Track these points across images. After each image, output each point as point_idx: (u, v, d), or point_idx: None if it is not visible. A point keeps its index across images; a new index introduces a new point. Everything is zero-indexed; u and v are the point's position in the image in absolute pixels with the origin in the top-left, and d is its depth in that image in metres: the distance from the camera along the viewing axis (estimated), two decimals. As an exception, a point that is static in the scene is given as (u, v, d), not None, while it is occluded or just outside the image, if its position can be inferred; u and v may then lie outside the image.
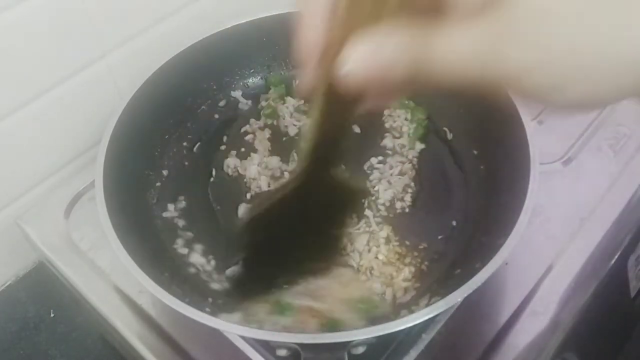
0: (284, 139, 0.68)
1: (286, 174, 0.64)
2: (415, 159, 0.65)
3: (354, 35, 0.26)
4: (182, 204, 0.63)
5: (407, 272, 0.56)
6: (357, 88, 0.27)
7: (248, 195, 0.63)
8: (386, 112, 0.69)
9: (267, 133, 0.68)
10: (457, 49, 0.25)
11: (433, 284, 0.55)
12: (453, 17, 0.27)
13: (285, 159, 0.65)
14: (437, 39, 0.25)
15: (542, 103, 0.27)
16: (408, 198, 0.62)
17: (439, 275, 0.56)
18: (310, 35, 0.30)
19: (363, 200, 0.48)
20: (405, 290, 0.55)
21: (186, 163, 0.66)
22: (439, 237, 0.58)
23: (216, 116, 0.70)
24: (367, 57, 0.26)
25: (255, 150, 0.66)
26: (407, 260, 0.57)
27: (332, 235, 0.47)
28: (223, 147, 0.68)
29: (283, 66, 0.74)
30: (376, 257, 0.57)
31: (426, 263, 0.57)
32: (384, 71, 0.26)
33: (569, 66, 0.24)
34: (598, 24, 0.24)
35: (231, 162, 0.66)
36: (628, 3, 0.24)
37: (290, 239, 0.43)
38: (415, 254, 0.57)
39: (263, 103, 0.71)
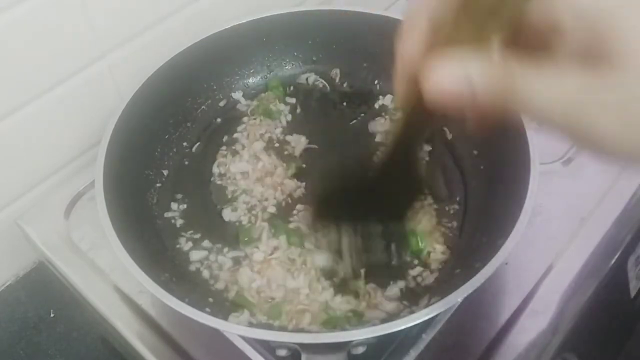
0: (278, 138, 0.68)
1: (279, 171, 0.64)
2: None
3: (448, 51, 0.27)
4: (182, 203, 0.63)
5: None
6: (439, 102, 0.27)
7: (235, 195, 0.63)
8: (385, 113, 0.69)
9: (260, 130, 0.68)
10: (546, 92, 0.25)
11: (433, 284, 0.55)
12: (554, 56, 0.27)
13: (279, 158, 0.66)
14: (529, 75, 0.25)
15: (610, 160, 0.27)
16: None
17: (439, 275, 0.56)
18: (410, 48, 0.30)
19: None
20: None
21: (186, 163, 0.66)
22: (440, 237, 0.58)
23: (216, 116, 0.70)
24: (454, 73, 0.26)
25: (245, 148, 0.67)
26: (407, 260, 0.57)
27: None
28: (223, 147, 0.68)
29: (283, 66, 0.74)
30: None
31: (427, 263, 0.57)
32: (466, 91, 0.26)
33: None
34: None
35: (228, 162, 0.66)
36: None
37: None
38: (415, 254, 0.57)
39: (256, 103, 0.71)
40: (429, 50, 0.28)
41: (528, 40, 0.28)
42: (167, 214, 0.62)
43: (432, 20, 0.29)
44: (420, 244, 0.57)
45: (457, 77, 0.26)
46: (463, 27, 0.27)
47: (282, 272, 0.56)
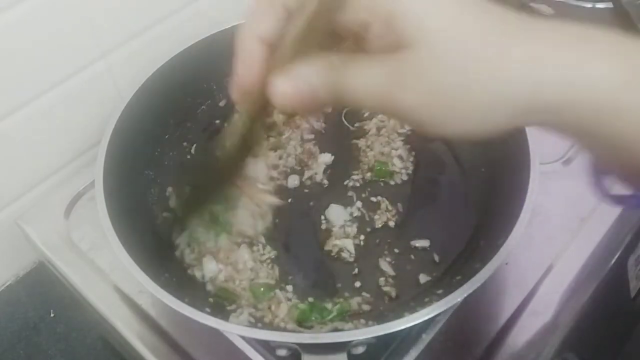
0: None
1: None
2: (412, 158, 0.65)
3: (284, 66, 0.31)
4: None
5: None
6: (289, 107, 0.32)
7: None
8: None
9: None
10: (363, 81, 0.30)
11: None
12: (369, 52, 0.30)
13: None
14: (350, 70, 0.30)
15: (434, 135, 0.31)
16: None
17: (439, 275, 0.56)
18: (247, 71, 0.35)
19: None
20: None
21: (186, 163, 0.66)
22: (439, 237, 0.58)
23: (216, 116, 0.70)
24: (293, 81, 0.31)
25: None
26: (407, 260, 0.57)
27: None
28: (223, 147, 0.67)
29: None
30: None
31: (427, 263, 0.57)
32: (306, 97, 0.31)
33: (443, 108, 0.29)
34: (476, 74, 0.28)
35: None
36: (500, 50, 0.28)
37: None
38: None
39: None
40: (266, 68, 0.33)
41: (346, 40, 0.32)
42: (167, 214, 0.62)
43: (264, 42, 0.33)
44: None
45: (297, 83, 0.31)
46: (290, 46, 0.31)
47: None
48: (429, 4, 0.28)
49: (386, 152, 0.65)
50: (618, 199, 0.35)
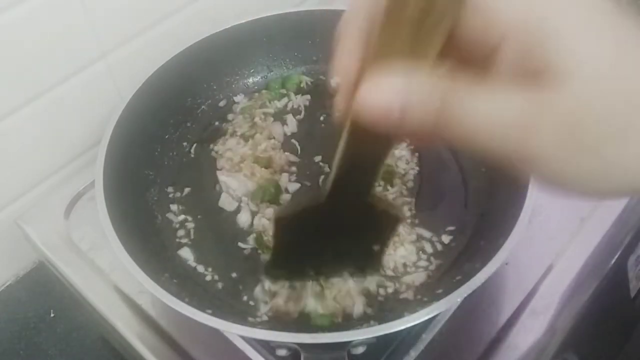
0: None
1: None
2: (415, 159, 0.65)
3: (380, 66, 0.24)
4: (183, 203, 0.63)
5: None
6: (373, 121, 0.24)
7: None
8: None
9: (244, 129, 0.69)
10: (484, 112, 0.23)
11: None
12: (493, 75, 0.24)
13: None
14: (466, 93, 0.23)
15: (561, 191, 0.25)
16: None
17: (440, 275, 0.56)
18: (345, 60, 0.27)
19: (397, 225, 0.48)
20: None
21: (186, 163, 0.66)
22: (440, 237, 0.58)
23: (216, 116, 0.70)
24: (381, 89, 0.24)
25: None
26: (407, 260, 0.57)
27: (367, 251, 0.48)
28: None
29: (283, 66, 0.74)
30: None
31: (427, 263, 0.57)
32: (396, 110, 0.23)
33: (587, 163, 0.23)
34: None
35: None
36: None
37: (319, 246, 0.45)
38: (415, 254, 0.57)
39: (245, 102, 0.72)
40: (364, 66, 0.25)
41: (463, 59, 0.25)
42: (167, 214, 0.62)
43: (365, 30, 0.26)
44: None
45: (385, 94, 0.24)
46: (390, 40, 0.24)
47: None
48: (589, 29, 0.22)
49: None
50: None
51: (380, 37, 0.24)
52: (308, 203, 0.40)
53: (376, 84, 0.24)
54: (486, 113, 0.23)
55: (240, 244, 0.59)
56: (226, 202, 0.62)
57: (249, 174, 0.63)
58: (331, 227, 0.41)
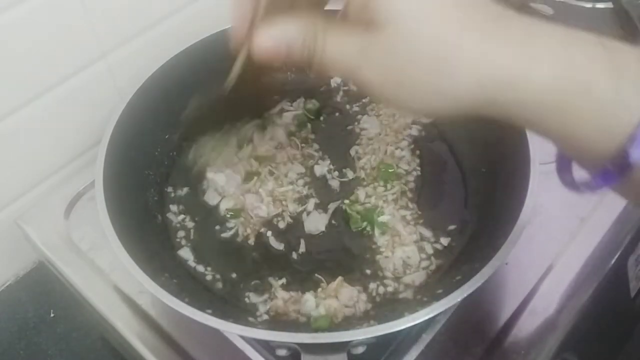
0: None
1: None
2: (416, 159, 0.65)
3: (270, 19, 0.35)
4: (183, 203, 0.63)
5: (407, 272, 0.56)
6: (264, 58, 0.35)
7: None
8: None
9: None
10: (337, 49, 0.33)
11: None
12: (345, 21, 0.33)
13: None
14: (329, 35, 0.33)
15: (399, 111, 0.34)
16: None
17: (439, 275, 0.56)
18: (239, 13, 0.38)
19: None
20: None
21: (186, 163, 0.66)
22: (440, 237, 0.58)
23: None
24: (270, 40, 0.35)
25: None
26: (407, 260, 0.57)
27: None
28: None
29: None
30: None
31: (427, 263, 0.57)
32: (283, 52, 0.34)
33: (403, 87, 0.31)
34: (437, 65, 0.30)
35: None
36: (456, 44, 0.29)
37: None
38: (415, 254, 0.57)
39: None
40: (254, 22, 0.36)
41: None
42: (167, 214, 0.62)
43: None
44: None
45: (277, 37, 0.34)
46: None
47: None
48: None
49: (390, 152, 0.65)
50: (576, 186, 0.38)
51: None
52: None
53: (269, 31, 0.35)
54: (338, 50, 0.33)
55: (240, 244, 0.59)
56: (210, 197, 0.63)
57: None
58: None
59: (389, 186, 0.62)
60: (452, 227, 0.59)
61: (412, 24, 0.30)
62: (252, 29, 0.37)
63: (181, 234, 0.60)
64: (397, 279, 0.56)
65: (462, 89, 0.30)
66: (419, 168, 0.64)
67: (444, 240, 0.58)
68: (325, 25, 0.33)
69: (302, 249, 0.58)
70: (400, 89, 0.31)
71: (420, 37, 0.30)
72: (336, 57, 0.33)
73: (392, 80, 0.31)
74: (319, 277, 0.55)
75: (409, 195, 0.62)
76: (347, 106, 0.71)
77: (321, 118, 0.70)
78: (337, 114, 0.71)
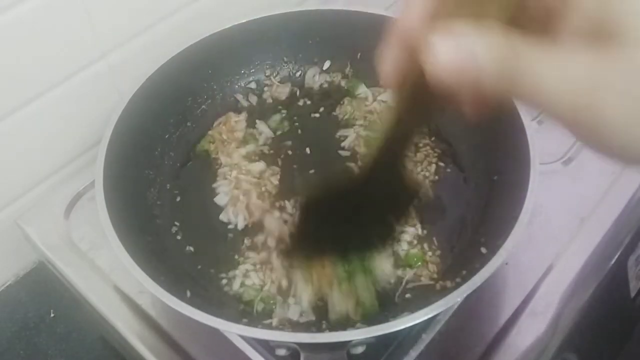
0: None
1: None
2: (415, 159, 0.65)
3: (450, 24, 0.24)
4: (183, 203, 0.63)
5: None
6: (441, 77, 0.24)
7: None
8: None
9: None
10: (553, 75, 0.22)
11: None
12: (560, 36, 0.24)
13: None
14: (535, 54, 0.23)
15: (611, 158, 0.24)
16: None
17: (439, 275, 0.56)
18: (410, 17, 0.26)
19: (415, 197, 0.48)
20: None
21: (186, 163, 0.66)
22: (440, 237, 0.58)
23: (216, 116, 0.70)
24: (458, 46, 0.23)
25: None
26: (407, 260, 0.57)
27: (387, 225, 0.47)
28: (223, 147, 0.68)
29: (283, 66, 0.74)
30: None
31: (427, 263, 0.57)
32: (471, 67, 0.23)
33: None
34: None
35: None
36: None
37: (347, 220, 0.45)
38: (415, 254, 0.57)
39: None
40: (430, 22, 0.25)
41: (532, 18, 0.25)
42: (167, 214, 0.62)
43: None
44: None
45: (462, 51, 0.23)
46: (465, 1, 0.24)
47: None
48: None
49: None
50: None
51: None
52: (340, 182, 0.42)
53: (455, 39, 0.23)
54: (557, 72, 0.22)
55: (239, 244, 0.59)
56: (219, 199, 0.63)
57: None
58: (358, 204, 0.42)
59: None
60: (452, 227, 0.59)
61: None
62: (426, 36, 0.24)
63: (181, 234, 0.60)
64: (397, 278, 0.56)
65: None
66: (419, 168, 0.64)
67: (445, 240, 0.58)
68: (527, 38, 0.23)
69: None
70: None
71: None
72: (551, 83, 0.22)
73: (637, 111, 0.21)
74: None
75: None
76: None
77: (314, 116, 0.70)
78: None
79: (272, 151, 0.67)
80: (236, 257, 0.58)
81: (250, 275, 0.56)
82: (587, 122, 0.22)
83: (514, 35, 0.23)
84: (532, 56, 0.23)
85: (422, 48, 0.24)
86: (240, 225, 0.60)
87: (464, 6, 0.24)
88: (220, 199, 0.62)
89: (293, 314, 0.53)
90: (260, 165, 0.65)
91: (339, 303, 0.51)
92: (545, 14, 0.25)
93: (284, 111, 0.71)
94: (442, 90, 0.24)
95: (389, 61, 0.28)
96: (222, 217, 0.61)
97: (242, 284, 0.56)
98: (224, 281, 0.56)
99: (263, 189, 0.63)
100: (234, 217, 0.61)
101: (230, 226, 0.60)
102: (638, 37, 0.21)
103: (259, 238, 0.59)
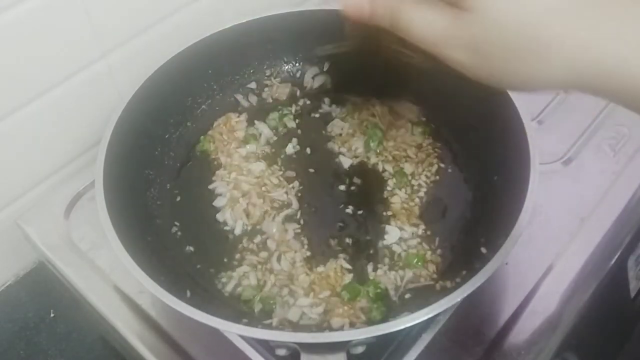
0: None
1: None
2: (415, 159, 0.65)
3: None
4: (183, 204, 0.63)
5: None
6: (349, 15, 0.38)
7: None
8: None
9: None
10: (419, 22, 0.33)
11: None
12: None
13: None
14: (411, 5, 0.34)
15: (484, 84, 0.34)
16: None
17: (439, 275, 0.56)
18: None
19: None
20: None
21: (186, 163, 0.66)
22: (440, 237, 0.58)
23: (216, 117, 0.70)
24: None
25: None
26: (407, 260, 0.57)
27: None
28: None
29: (283, 66, 0.74)
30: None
31: (427, 263, 0.57)
32: (365, 11, 0.36)
33: (490, 69, 0.32)
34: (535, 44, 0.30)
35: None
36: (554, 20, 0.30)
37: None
38: (415, 254, 0.57)
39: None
40: None
41: None
42: (167, 214, 0.62)
43: None
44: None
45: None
46: None
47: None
48: None
49: (398, 157, 0.65)
50: None
51: None
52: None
53: None
54: (420, 23, 0.33)
55: (238, 245, 0.59)
56: (217, 202, 0.63)
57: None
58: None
59: (396, 190, 0.62)
60: (452, 227, 0.59)
61: (503, 4, 0.30)
62: None
63: (181, 234, 0.60)
64: (397, 278, 0.56)
65: (554, 72, 0.30)
66: (420, 168, 0.64)
67: (445, 240, 0.58)
68: None
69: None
70: (487, 69, 0.32)
71: (512, 18, 0.30)
72: (423, 29, 0.33)
73: (478, 60, 0.32)
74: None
75: (411, 195, 0.62)
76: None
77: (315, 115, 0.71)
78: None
79: (272, 151, 0.67)
80: (237, 257, 0.58)
81: (249, 276, 0.56)
82: (438, 57, 0.33)
83: None
84: (410, 8, 0.34)
85: None
86: (238, 231, 0.60)
87: None
88: (218, 201, 0.62)
89: (294, 315, 0.53)
90: (260, 166, 0.65)
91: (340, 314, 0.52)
92: None
93: (282, 109, 0.71)
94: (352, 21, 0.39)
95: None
96: (219, 217, 0.61)
97: (240, 284, 0.56)
98: (224, 280, 0.56)
99: (263, 189, 0.63)
100: (232, 221, 0.60)
101: (226, 227, 0.60)
102: (478, 8, 0.31)
103: (258, 239, 0.59)
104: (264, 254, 0.58)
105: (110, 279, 0.58)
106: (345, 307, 0.53)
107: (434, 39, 0.33)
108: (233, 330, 0.46)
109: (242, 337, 0.52)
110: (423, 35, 0.33)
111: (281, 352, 0.49)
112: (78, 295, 0.59)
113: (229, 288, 0.56)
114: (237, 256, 0.58)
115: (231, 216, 0.61)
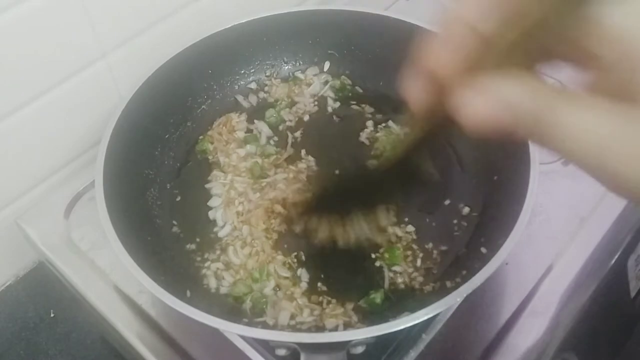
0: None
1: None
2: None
3: (479, 75, 0.24)
4: (183, 204, 0.63)
5: (407, 272, 0.56)
6: (473, 130, 0.25)
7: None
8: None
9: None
10: (583, 124, 0.23)
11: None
12: (593, 87, 0.25)
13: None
14: (565, 105, 0.23)
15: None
16: (408, 198, 0.62)
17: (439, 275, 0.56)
18: (444, 61, 0.26)
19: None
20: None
21: (186, 163, 0.66)
22: (440, 237, 0.58)
23: (216, 117, 0.70)
24: (485, 105, 0.24)
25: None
26: (407, 260, 0.57)
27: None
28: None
29: (283, 66, 0.74)
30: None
31: (427, 263, 0.57)
32: (500, 122, 0.24)
33: None
34: None
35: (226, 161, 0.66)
36: None
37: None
38: (415, 254, 0.57)
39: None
40: (460, 70, 0.25)
41: (567, 53, 0.25)
42: (167, 214, 0.62)
43: (475, 35, 0.25)
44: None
45: (494, 102, 0.24)
46: (506, 49, 0.24)
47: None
48: None
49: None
50: None
51: (495, 45, 0.24)
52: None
53: (485, 91, 0.24)
54: (582, 128, 0.23)
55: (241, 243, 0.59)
56: (212, 202, 0.63)
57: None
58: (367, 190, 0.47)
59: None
60: (452, 227, 0.59)
61: None
62: (451, 87, 0.25)
63: (181, 234, 0.60)
64: (396, 278, 0.56)
65: None
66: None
67: (445, 240, 0.58)
68: (556, 89, 0.24)
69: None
70: None
71: None
72: (581, 138, 0.23)
73: None
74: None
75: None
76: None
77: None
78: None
79: (272, 151, 0.67)
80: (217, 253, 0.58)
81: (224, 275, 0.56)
82: (602, 169, 0.24)
83: (544, 85, 0.24)
84: (566, 103, 0.23)
85: (453, 97, 0.25)
86: (223, 233, 0.60)
87: (493, 56, 0.24)
88: (213, 202, 0.62)
89: (283, 319, 0.53)
90: (260, 166, 0.65)
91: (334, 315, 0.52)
92: (579, 63, 0.25)
93: (277, 104, 0.71)
94: (479, 136, 0.26)
95: (414, 90, 0.28)
96: (210, 215, 0.61)
97: (232, 283, 0.56)
98: (223, 280, 0.56)
99: (257, 190, 0.63)
100: (222, 221, 0.60)
101: (216, 228, 0.60)
102: None
103: (248, 240, 0.59)
104: (254, 257, 0.58)
105: (110, 279, 0.58)
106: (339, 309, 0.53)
107: (598, 149, 0.23)
108: (233, 330, 0.46)
109: (242, 337, 0.52)
110: (580, 146, 0.23)
111: (281, 352, 0.49)
112: (78, 295, 0.59)
113: (223, 287, 0.56)
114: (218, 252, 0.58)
115: (222, 217, 0.61)
